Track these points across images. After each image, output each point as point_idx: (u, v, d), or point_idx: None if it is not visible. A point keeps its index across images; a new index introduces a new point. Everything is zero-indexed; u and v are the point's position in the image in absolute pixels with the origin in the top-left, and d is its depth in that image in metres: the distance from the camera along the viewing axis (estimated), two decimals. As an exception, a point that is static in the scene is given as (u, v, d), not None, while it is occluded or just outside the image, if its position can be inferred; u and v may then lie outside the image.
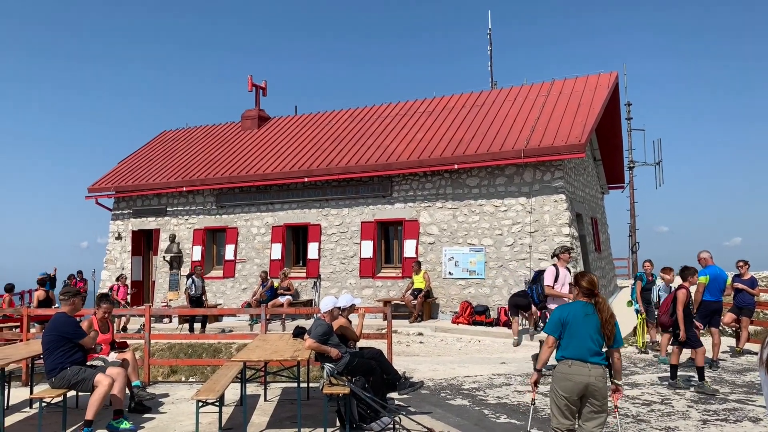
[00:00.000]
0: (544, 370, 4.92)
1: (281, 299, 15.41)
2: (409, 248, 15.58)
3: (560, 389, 4.52)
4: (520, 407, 7.31)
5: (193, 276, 14.83)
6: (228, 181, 17.67)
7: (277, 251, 17.31)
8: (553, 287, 8.80)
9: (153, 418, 6.99)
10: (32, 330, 10.20)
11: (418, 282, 14.52)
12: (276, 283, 16.04)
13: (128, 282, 16.98)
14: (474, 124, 16.07)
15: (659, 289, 10.49)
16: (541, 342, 5.18)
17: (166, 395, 8.23)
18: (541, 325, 12.97)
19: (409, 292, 14.58)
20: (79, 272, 18.47)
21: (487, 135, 15.26)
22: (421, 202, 15.66)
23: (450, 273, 15.02)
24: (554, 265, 9.10)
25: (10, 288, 15.77)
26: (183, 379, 10.66)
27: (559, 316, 4.61)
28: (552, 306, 8.69)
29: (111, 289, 15.56)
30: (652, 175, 31.09)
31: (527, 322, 12.73)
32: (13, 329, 13.33)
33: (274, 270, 16.78)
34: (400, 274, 15.69)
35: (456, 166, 14.73)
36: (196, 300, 14.66)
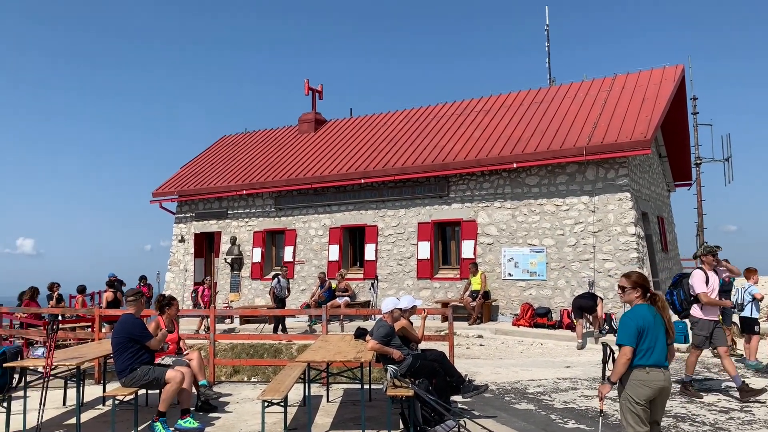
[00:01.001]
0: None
1: (339, 300, 15.48)
2: (467, 249, 15.38)
3: (637, 397, 4.33)
4: (588, 412, 7.07)
5: (279, 276, 14.95)
6: (286, 184, 17.91)
7: (334, 253, 17.42)
8: (707, 294, 7.72)
9: (219, 417, 7.10)
10: (102, 330, 10.57)
11: (476, 283, 14.32)
12: (334, 284, 16.13)
13: (212, 283, 16.93)
14: (533, 122, 15.73)
15: (744, 290, 9.78)
16: (605, 345, 4.95)
17: (230, 395, 8.37)
18: (606, 327, 12.57)
19: (468, 293, 14.39)
20: (143, 277, 19.05)
21: (547, 132, 14.91)
22: (478, 202, 15.45)
23: (510, 274, 14.74)
24: (700, 268, 8.22)
25: (82, 289, 16.47)
26: (245, 379, 10.82)
27: (636, 325, 4.38)
28: (702, 315, 7.77)
29: (195, 291, 15.75)
30: (721, 171, 29.74)
31: (591, 324, 12.34)
32: (86, 329, 13.87)
33: (331, 271, 16.89)
34: (458, 276, 15.51)
35: (515, 165, 14.46)
36: (282, 300, 14.77)
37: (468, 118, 17.44)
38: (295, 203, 18.26)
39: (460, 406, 7.15)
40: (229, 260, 18.81)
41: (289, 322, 16.65)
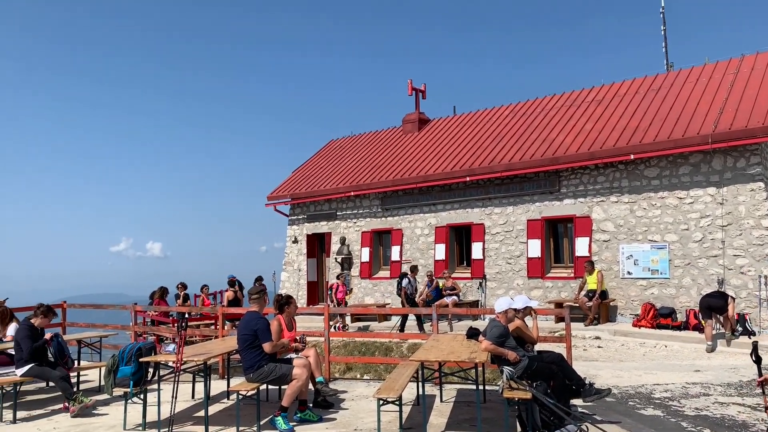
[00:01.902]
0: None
1: (447, 300, 15.38)
2: (581, 246, 14.75)
3: None
4: (725, 421, 6.52)
5: (408, 275, 15.08)
6: (392, 184, 18.07)
7: (440, 252, 17.34)
8: None
9: (336, 413, 7.25)
10: (225, 327, 11.14)
11: (592, 282, 13.69)
12: (441, 283, 16.04)
13: (346, 281, 17.03)
14: (650, 111, 14.81)
15: None
16: (756, 344, 4.51)
17: (345, 391, 8.54)
18: (740, 329, 11.58)
19: (583, 293, 13.80)
20: (259, 278, 19.85)
21: (667, 121, 13.97)
22: (593, 196, 14.77)
23: (629, 273, 13.97)
24: None
25: (204, 287, 17.50)
26: (358, 376, 11.02)
27: None
28: None
29: (331, 288, 16.10)
30: None
31: (722, 326, 11.41)
32: (210, 326, 14.72)
33: (438, 270, 16.81)
34: (572, 274, 14.91)
35: (632, 157, 13.67)
36: (413, 299, 14.88)
37: (579, 109, 16.73)
38: (400, 203, 18.37)
39: (580, 410, 6.84)
40: (339, 260, 19.26)
41: (394, 321, 16.78)
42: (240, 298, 16.10)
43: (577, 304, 13.74)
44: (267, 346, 6.69)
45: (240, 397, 6.68)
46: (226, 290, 16.86)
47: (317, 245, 20.83)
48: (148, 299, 15.73)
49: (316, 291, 20.69)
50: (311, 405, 7.26)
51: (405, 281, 14.83)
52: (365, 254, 18.98)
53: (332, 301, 15.46)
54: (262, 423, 6.67)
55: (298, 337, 7.50)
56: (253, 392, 6.68)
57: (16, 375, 7.80)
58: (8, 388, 7.62)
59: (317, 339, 10.59)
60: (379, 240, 19.26)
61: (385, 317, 16.88)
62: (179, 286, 16.36)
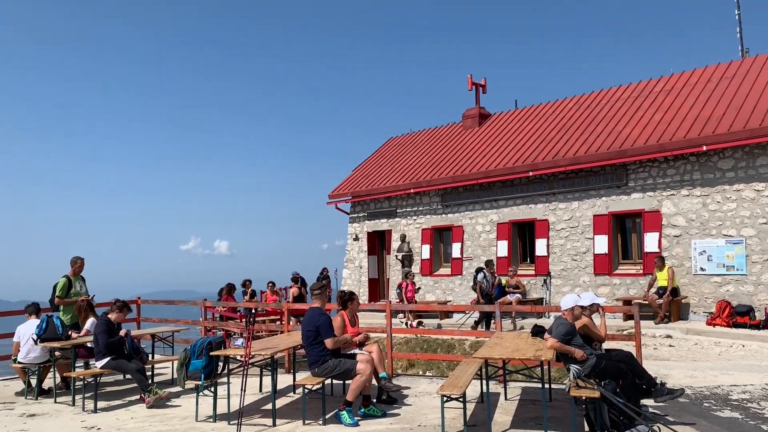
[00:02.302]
0: None
1: (510, 297, 15.17)
2: (650, 242, 14.24)
3: None
4: (811, 426, 6.15)
5: (484, 270, 14.96)
6: (452, 181, 17.96)
7: (503, 248, 17.12)
8: None
9: (399, 409, 7.28)
10: (290, 323, 11.37)
11: (662, 279, 13.19)
12: (504, 280, 15.83)
13: (415, 279, 16.92)
14: (724, 99, 14.11)
15: None
16: None
17: (408, 387, 8.57)
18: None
19: (653, 290, 13.31)
20: (324, 270, 20.10)
21: (743, 110, 13.28)
22: (662, 190, 14.22)
23: (702, 269, 13.38)
24: None
25: (272, 284, 17.91)
26: (420, 372, 11.01)
27: None
28: None
29: (399, 286, 16.15)
30: None
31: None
32: (275, 322, 15.04)
33: (500, 267, 16.60)
34: (641, 271, 14.41)
35: (704, 148, 13.07)
36: (489, 295, 14.74)
37: (647, 100, 16.14)
38: (461, 200, 18.24)
39: (651, 410, 6.61)
40: (399, 257, 19.32)
41: (457, 318, 16.68)
42: (304, 294, 16.40)
43: (647, 302, 13.28)
44: (329, 342, 6.79)
45: (306, 391, 6.82)
46: (291, 286, 17.20)
47: (378, 242, 20.96)
48: (216, 295, 16.23)
49: (377, 288, 20.83)
50: (375, 400, 7.32)
51: (480, 276, 14.63)
52: (425, 251, 18.95)
53: (401, 300, 15.42)
54: (327, 417, 6.79)
55: (359, 334, 7.57)
56: (318, 386, 6.80)
57: (95, 367, 8.23)
58: (89, 380, 8.04)
59: (379, 335, 10.66)
60: (440, 237, 19.19)
61: (447, 314, 16.81)
62: (246, 282, 16.80)
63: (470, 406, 7.21)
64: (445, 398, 5.94)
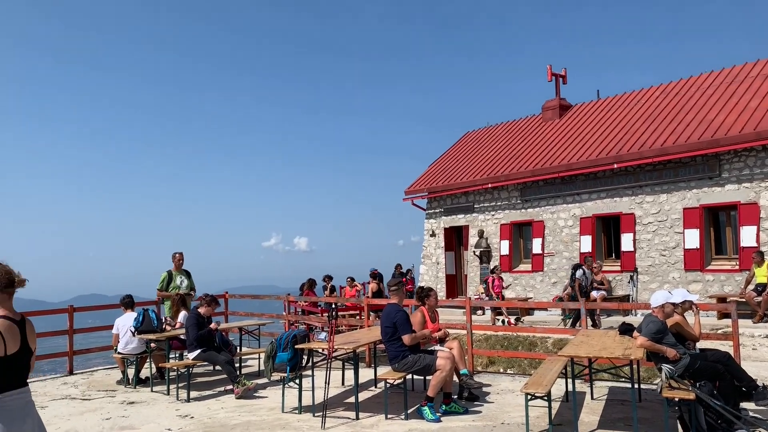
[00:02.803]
0: None
1: (594, 294, 14.66)
2: (747, 236, 13.38)
3: None
4: None
5: (583, 267, 14.59)
6: (531, 174, 17.57)
7: (586, 244, 16.58)
8: None
9: (481, 406, 7.23)
10: (370, 318, 11.51)
11: (761, 275, 12.36)
12: (588, 276, 15.32)
13: (502, 274, 16.54)
14: (831, 82, 13.06)
15: None
16: None
17: (489, 385, 8.48)
18: None
19: (751, 287, 12.51)
20: (408, 270, 20.19)
21: None
22: (760, 181, 13.33)
23: (806, 264, 12.45)
24: None
25: (351, 280, 18.22)
26: (501, 370, 10.87)
27: None
28: None
29: (486, 281, 15.96)
30: None
31: None
32: (355, 317, 15.29)
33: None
34: (737, 267, 13.59)
35: (808, 135, 12.16)
36: (587, 292, 14.31)
37: (741, 85, 15.17)
38: (541, 194, 17.82)
39: (751, 414, 6.24)
40: (477, 253, 19.12)
41: (541, 315, 16.33)
42: (383, 290, 16.55)
43: (744, 299, 12.49)
44: (406, 339, 6.83)
45: (387, 385, 6.89)
46: (369, 282, 17.41)
47: (455, 238, 20.83)
48: (297, 290, 16.67)
49: (454, 284, 20.72)
50: (456, 397, 7.30)
51: (579, 272, 14.19)
52: (504, 247, 18.65)
53: (488, 296, 15.11)
54: (409, 412, 6.83)
55: (440, 330, 7.56)
56: (399, 381, 6.86)
57: (187, 358, 8.65)
58: (182, 370, 8.46)
59: (459, 332, 10.61)
60: (519, 232, 18.83)
61: (528, 311, 16.49)
62: (326, 278, 17.16)
63: (555, 405, 7.07)
64: (529, 396, 5.84)
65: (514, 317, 14.91)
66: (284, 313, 13.89)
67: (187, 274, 10.55)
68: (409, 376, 7.33)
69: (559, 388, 7.59)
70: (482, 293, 15.73)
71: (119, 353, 9.39)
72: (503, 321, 14.49)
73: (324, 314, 14.76)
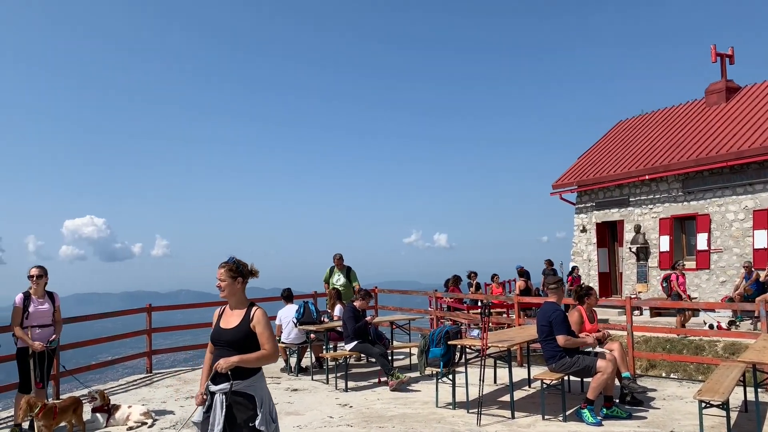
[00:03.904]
0: None
1: (773, 294, 13.17)
2: None
3: None
4: None
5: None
6: (695, 164, 16.20)
7: (761, 239, 14.97)
8: None
9: (646, 412, 6.82)
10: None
11: None
12: (762, 275, 13.83)
13: (653, 273, 15.55)
14: None
15: None
16: None
17: (654, 390, 7.98)
18: None
19: None
20: (575, 267, 19.51)
21: None
22: None
23: None
24: None
25: (494, 276, 17.99)
26: (663, 374, 10.18)
27: None
28: None
29: (667, 279, 14.87)
30: None
31: None
32: (501, 315, 15.06)
33: (759, 261, 14.55)
34: None
35: None
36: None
37: None
38: (706, 185, 16.35)
39: None
40: (633, 249, 18.01)
41: (707, 317, 15.01)
42: (530, 288, 16.16)
43: None
44: (560, 339, 6.59)
45: (544, 385, 6.72)
46: (514, 279, 17.07)
47: (608, 234, 19.76)
48: (439, 287, 16.75)
49: (608, 282, 19.66)
50: (617, 401, 6.95)
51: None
52: (664, 243, 17.37)
53: (670, 295, 13.83)
54: (567, 413, 6.61)
55: (599, 331, 7.23)
56: (556, 382, 6.66)
57: (344, 350, 9.05)
58: (340, 361, 8.87)
59: (618, 333, 10.09)
60: (681, 227, 17.44)
61: (693, 313, 15.23)
62: (471, 274, 17.09)
63: (732, 415, 6.48)
64: (704, 404, 5.41)
65: (728, 320, 13.38)
66: (430, 309, 14.05)
67: (347, 272, 11.24)
68: (565, 377, 7.09)
69: (735, 397, 6.94)
70: (637, 294, 14.68)
71: (282, 343, 10.05)
72: (711, 325, 12.89)
73: (469, 311, 14.71)
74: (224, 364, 3.65)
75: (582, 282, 17.69)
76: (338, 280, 11.35)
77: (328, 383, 9.00)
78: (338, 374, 8.98)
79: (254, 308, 3.88)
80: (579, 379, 7.61)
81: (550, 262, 19.22)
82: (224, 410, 3.66)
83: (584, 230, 20.16)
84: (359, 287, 11.01)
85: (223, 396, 3.68)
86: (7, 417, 7.63)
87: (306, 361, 10.25)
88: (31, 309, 6.57)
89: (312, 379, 9.42)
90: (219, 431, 3.62)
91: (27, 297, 6.61)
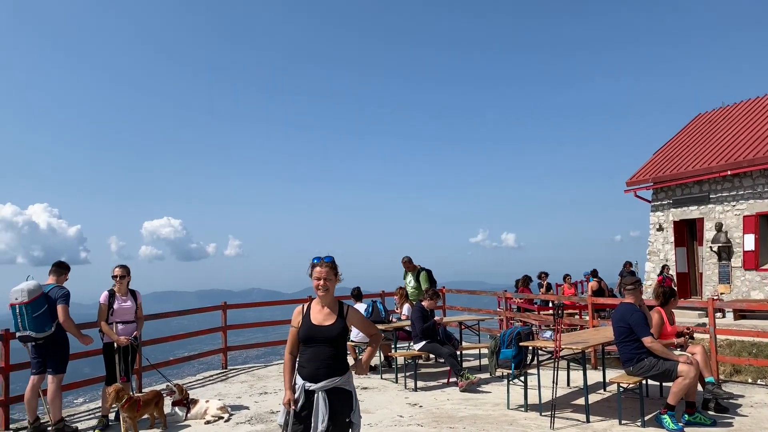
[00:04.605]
0: None
1: None
2: None
3: None
4: None
5: None
6: (783, 158, 15.25)
7: None
8: None
9: (732, 419, 6.47)
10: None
11: None
12: None
13: (737, 274, 14.69)
14: None
15: None
16: None
17: (742, 396, 7.56)
18: None
19: None
20: (665, 266, 18.80)
21: None
22: None
23: None
24: None
25: (566, 277, 17.56)
26: (749, 380, 9.63)
27: None
28: None
29: None
30: None
31: None
32: (572, 315, 14.68)
33: None
34: None
35: None
36: None
37: None
38: (796, 180, 15.36)
39: None
40: (714, 249, 17.13)
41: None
42: (604, 288, 15.67)
43: None
44: (647, 340, 6.31)
45: (621, 389, 6.49)
46: (587, 279, 16.58)
47: (686, 232, 18.87)
48: (503, 287, 16.46)
49: (686, 283, 18.78)
50: (700, 407, 6.62)
51: None
52: (749, 242, 16.43)
53: None
54: (646, 419, 6.36)
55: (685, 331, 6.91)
56: (634, 385, 6.42)
57: (413, 349, 9.05)
58: (409, 360, 8.87)
59: (701, 336, 9.62)
60: (767, 225, 16.45)
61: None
62: (541, 275, 16.74)
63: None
64: (798, 413, 5.07)
65: None
66: (498, 309, 13.83)
67: (417, 274, 11.17)
68: (643, 381, 6.82)
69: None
70: (719, 295, 14.00)
71: (351, 341, 10.14)
72: None
73: (540, 312, 14.40)
74: (364, 366, 4.05)
75: (667, 279, 16.97)
76: (410, 282, 11.36)
77: (397, 382, 9.02)
78: (407, 373, 8.98)
79: (345, 305, 4.00)
80: (657, 384, 7.32)
81: (629, 264, 18.54)
82: (328, 407, 3.73)
83: (661, 229, 19.34)
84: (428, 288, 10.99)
85: (325, 393, 3.75)
86: (95, 408, 8.05)
87: (375, 360, 10.32)
88: (115, 306, 6.92)
89: (381, 378, 9.46)
90: (324, 428, 3.68)
91: (111, 295, 6.96)
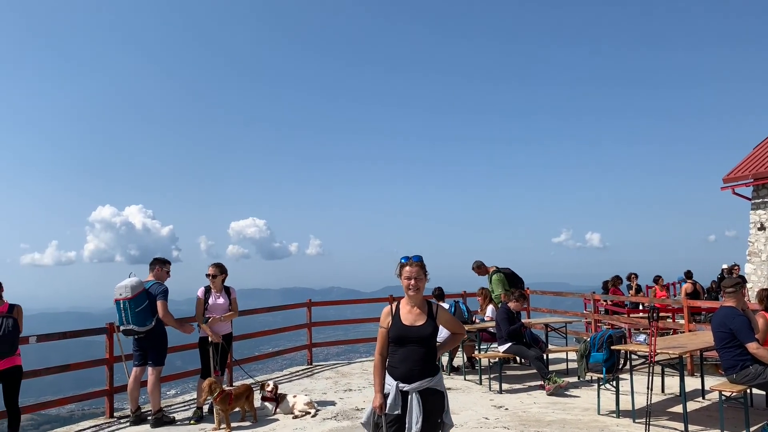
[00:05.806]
0: None
1: None
2: None
3: None
4: None
5: None
6: None
7: None
8: None
9: None
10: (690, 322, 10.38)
11: None
12: None
13: None
14: None
15: None
16: None
17: None
18: None
19: None
20: (734, 267, 17.74)
21: None
22: None
23: None
24: None
25: (656, 279, 16.76)
26: None
27: None
28: None
29: None
30: None
31: None
32: (666, 319, 13.98)
33: None
34: None
35: None
36: None
37: None
38: None
39: None
40: (825, 250, 15.83)
41: None
42: (699, 290, 14.84)
43: None
44: (752, 346, 5.91)
45: (723, 398, 6.12)
46: (679, 282, 15.74)
47: (793, 232, 17.55)
48: (587, 288, 15.89)
49: (793, 286, 17.47)
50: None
51: None
52: None
53: None
54: (751, 430, 5.97)
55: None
56: (737, 394, 6.03)
57: (497, 351, 8.91)
58: (493, 362, 8.74)
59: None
60: None
61: None
62: (631, 276, 16.06)
63: None
64: None
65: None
66: (585, 312, 13.38)
67: (490, 278, 10.78)
68: (748, 390, 6.40)
69: None
70: None
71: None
72: None
73: (630, 314, 13.80)
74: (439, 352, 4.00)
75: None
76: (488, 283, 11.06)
77: (481, 384, 8.91)
78: (491, 375, 8.85)
79: (435, 304, 3.99)
80: (764, 393, 6.85)
81: (736, 267, 17.45)
82: (422, 408, 3.73)
83: (762, 228, 18.08)
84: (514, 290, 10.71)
85: (418, 394, 3.76)
86: (189, 400, 8.45)
87: (458, 361, 10.23)
88: (210, 302, 7.23)
89: (464, 379, 9.38)
90: (418, 429, 3.68)
91: (207, 291, 7.27)
